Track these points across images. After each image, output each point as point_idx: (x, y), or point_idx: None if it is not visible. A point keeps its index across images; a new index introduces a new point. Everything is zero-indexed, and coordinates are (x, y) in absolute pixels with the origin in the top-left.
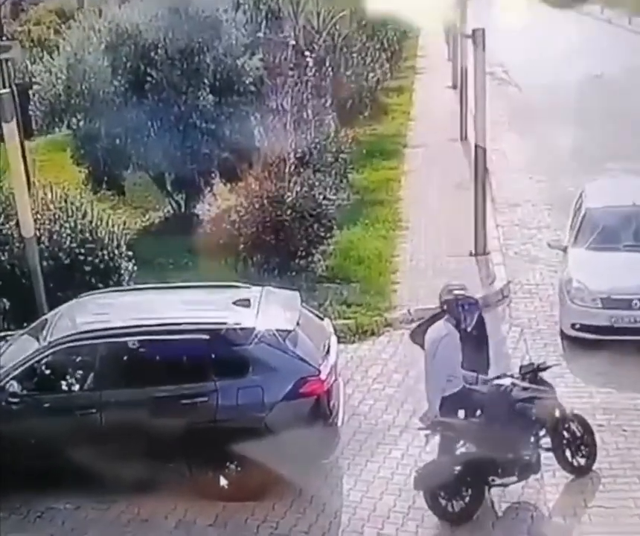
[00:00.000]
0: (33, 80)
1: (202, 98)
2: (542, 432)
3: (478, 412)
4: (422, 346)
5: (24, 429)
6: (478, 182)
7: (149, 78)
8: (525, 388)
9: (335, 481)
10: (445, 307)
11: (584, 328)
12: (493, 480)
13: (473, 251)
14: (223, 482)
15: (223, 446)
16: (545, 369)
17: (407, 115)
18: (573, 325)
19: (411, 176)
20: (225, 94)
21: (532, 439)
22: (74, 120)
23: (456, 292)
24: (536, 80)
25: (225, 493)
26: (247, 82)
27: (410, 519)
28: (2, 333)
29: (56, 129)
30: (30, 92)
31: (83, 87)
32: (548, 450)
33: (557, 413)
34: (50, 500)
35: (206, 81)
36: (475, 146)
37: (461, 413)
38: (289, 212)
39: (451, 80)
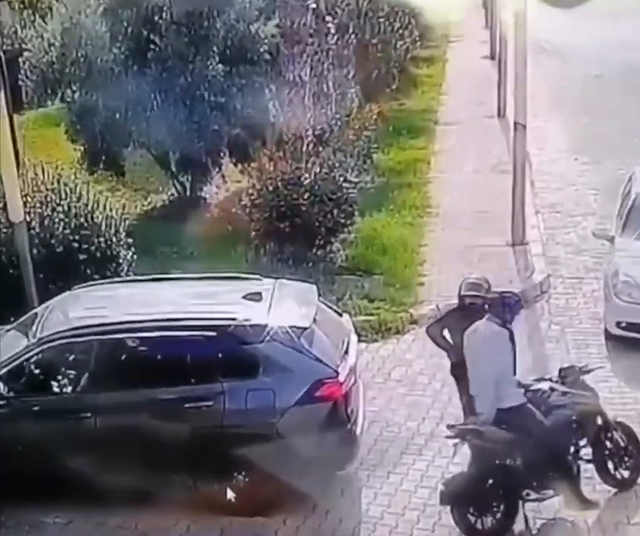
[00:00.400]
0: (24, 46)
1: (210, 68)
2: (582, 442)
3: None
4: (438, 344)
5: (10, 434)
6: (516, 164)
7: (152, 45)
8: (564, 394)
9: (353, 494)
10: (488, 304)
11: (631, 327)
12: (527, 494)
13: (510, 241)
14: (230, 494)
15: (230, 454)
16: (587, 372)
17: (439, 88)
18: (619, 323)
19: (442, 156)
20: (236, 64)
21: (571, 449)
22: (68, 91)
23: (476, 284)
24: (583, 56)
25: (232, 507)
26: (261, 50)
27: None
28: None
29: (49, 102)
30: (20, 60)
31: (79, 55)
32: (588, 461)
33: (600, 421)
34: (39, 514)
35: (215, 49)
36: (515, 123)
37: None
38: (306, 196)
39: (488, 49)
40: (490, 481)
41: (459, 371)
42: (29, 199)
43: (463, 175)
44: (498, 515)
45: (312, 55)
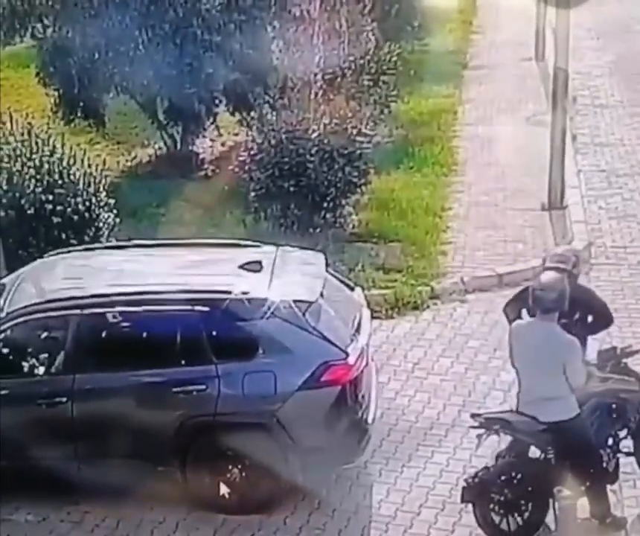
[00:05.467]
0: None
1: (205, 1)
2: (622, 433)
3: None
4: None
5: None
6: (556, 115)
7: None
8: (604, 379)
9: (363, 490)
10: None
11: None
12: (559, 491)
13: (546, 204)
14: (224, 490)
15: (225, 445)
16: (630, 355)
17: (469, 25)
18: None
19: (471, 105)
20: None
21: (610, 441)
22: (39, 26)
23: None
24: None
25: (227, 504)
26: None
27: None
28: None
29: (17, 39)
30: None
31: None
32: (628, 454)
33: None
34: (7, 510)
35: None
36: (555, 68)
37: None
38: (313, 151)
39: None
40: (518, 477)
41: None
42: None
43: (494, 127)
44: (527, 515)
45: None
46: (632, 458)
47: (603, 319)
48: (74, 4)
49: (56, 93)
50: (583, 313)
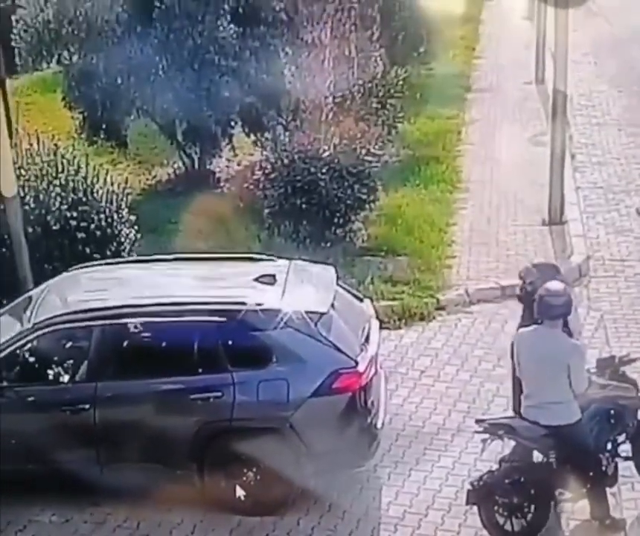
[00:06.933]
0: (17, 3)
1: (221, 29)
2: (621, 438)
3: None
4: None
5: (3, 427)
6: (555, 135)
7: (157, 3)
8: (603, 386)
9: (372, 493)
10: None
11: None
12: (560, 494)
13: (547, 220)
14: (239, 492)
15: (240, 450)
16: (628, 363)
17: (472, 51)
18: None
19: (475, 127)
20: (250, 25)
21: (609, 446)
22: (66, 53)
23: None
24: (632, 16)
25: (242, 506)
26: (277, 9)
27: None
28: None
29: (45, 65)
30: (14, 18)
31: (78, 13)
32: (627, 458)
33: None
34: (34, 511)
35: (227, 8)
36: (554, 90)
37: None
38: (324, 170)
39: (527, 9)
40: (521, 480)
41: None
42: (23, 172)
43: (496, 147)
44: (530, 516)
45: (333, 15)
46: (631, 462)
47: None
48: (98, 32)
49: (80, 116)
50: None
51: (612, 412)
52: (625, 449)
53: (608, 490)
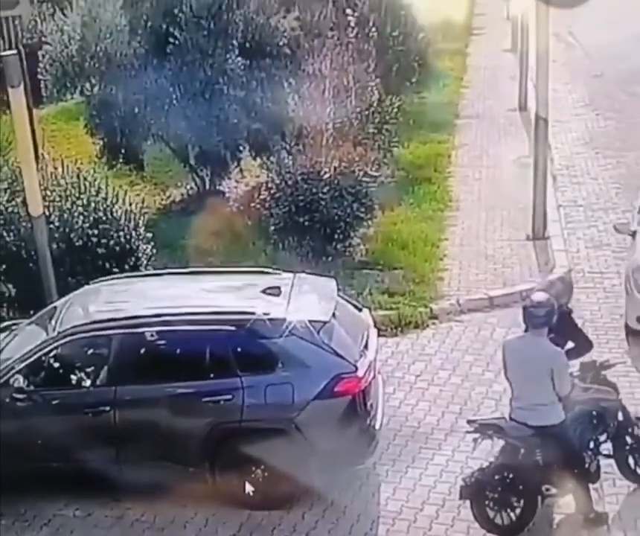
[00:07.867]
0: (43, 39)
1: (230, 62)
2: (602, 438)
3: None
4: None
5: (30, 428)
6: (538, 157)
7: (171, 39)
8: (585, 389)
9: (371, 489)
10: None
11: None
12: (547, 490)
13: (531, 235)
14: (248, 488)
15: (249, 449)
16: (608, 368)
17: (460, 81)
18: (639, 318)
19: (463, 150)
20: (256, 57)
21: (592, 445)
22: (87, 85)
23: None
24: (607, 48)
25: (250, 501)
26: (281, 43)
27: (454, 531)
28: (7, 323)
29: (68, 96)
30: (40, 54)
31: (99, 48)
32: (608, 456)
33: (620, 416)
34: (58, 506)
35: (235, 42)
36: (536, 116)
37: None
38: (325, 190)
39: (510, 42)
40: (510, 476)
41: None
42: (48, 193)
43: (484, 169)
44: (518, 510)
45: (332, 48)
46: (612, 460)
47: (584, 347)
48: (117, 65)
49: (101, 142)
50: (565, 340)
51: (594, 413)
52: (606, 447)
53: (591, 485)
